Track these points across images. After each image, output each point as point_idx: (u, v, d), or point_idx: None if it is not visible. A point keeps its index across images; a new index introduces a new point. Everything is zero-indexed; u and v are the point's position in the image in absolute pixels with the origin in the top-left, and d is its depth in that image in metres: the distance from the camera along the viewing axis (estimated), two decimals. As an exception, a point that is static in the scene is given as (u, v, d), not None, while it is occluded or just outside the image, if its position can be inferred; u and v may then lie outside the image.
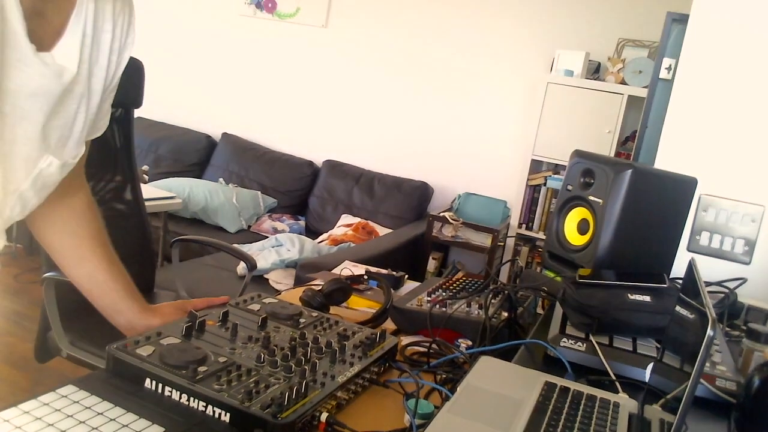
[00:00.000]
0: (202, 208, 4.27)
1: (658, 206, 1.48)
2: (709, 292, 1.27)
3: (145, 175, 3.95)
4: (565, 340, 1.23)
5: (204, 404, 0.86)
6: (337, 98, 4.83)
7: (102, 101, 1.01)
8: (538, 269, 3.84)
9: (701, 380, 1.09)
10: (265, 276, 3.42)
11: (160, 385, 0.89)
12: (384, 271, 1.74)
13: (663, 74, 2.51)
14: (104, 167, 2.28)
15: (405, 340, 1.28)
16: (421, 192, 4.40)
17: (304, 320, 1.18)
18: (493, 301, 1.37)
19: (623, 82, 3.81)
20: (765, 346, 1.25)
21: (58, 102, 0.91)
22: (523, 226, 4.13)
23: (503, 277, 3.43)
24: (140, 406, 0.86)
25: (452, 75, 4.45)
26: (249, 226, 4.42)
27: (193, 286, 2.68)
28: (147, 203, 2.47)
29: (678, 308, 1.16)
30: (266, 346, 1.02)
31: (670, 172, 1.53)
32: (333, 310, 1.40)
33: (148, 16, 4.99)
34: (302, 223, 4.53)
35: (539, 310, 1.59)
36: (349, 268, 1.82)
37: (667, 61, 2.50)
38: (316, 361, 0.99)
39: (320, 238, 4.11)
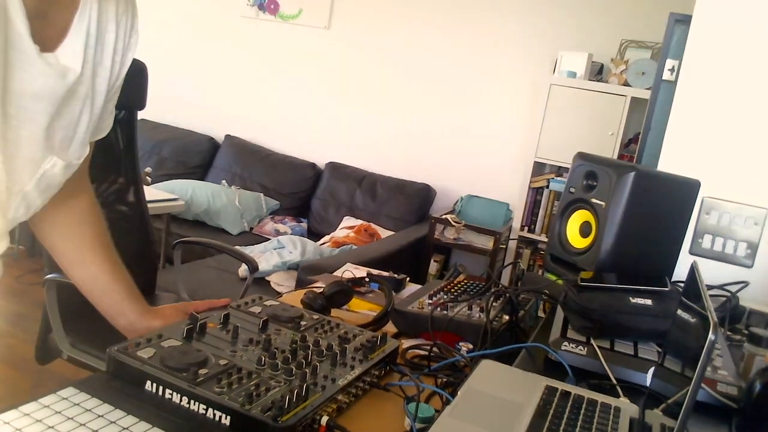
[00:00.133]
0: (205, 210, 4.28)
1: (660, 209, 1.47)
2: (710, 295, 1.27)
3: (148, 177, 3.96)
4: (566, 343, 1.22)
5: (204, 407, 0.86)
6: (339, 100, 4.83)
7: (106, 102, 1.02)
8: (540, 272, 3.84)
9: (702, 385, 1.09)
10: (267, 278, 3.42)
11: (161, 388, 0.89)
12: (385, 274, 1.74)
13: (666, 75, 2.51)
14: (107, 169, 2.29)
15: (406, 343, 1.28)
16: (424, 194, 4.40)
17: (305, 323, 1.17)
18: (494, 304, 1.37)
19: (626, 84, 3.81)
20: (766, 351, 1.24)
21: (62, 103, 0.91)
22: (526, 228, 4.13)
23: (505, 279, 3.43)
24: (141, 408, 0.86)
25: (454, 77, 4.45)
26: (251, 228, 4.43)
27: (194, 288, 2.69)
28: (149, 205, 2.48)
29: (680, 312, 1.15)
30: (267, 349, 1.02)
31: (673, 175, 1.53)
32: (334, 312, 1.40)
33: (151, 17, 5.01)
34: (304, 225, 4.54)
35: (541, 314, 1.59)
36: (350, 271, 1.82)
37: (670, 63, 2.50)
38: (317, 364, 0.99)
39: (322, 240, 4.11)
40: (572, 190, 1.54)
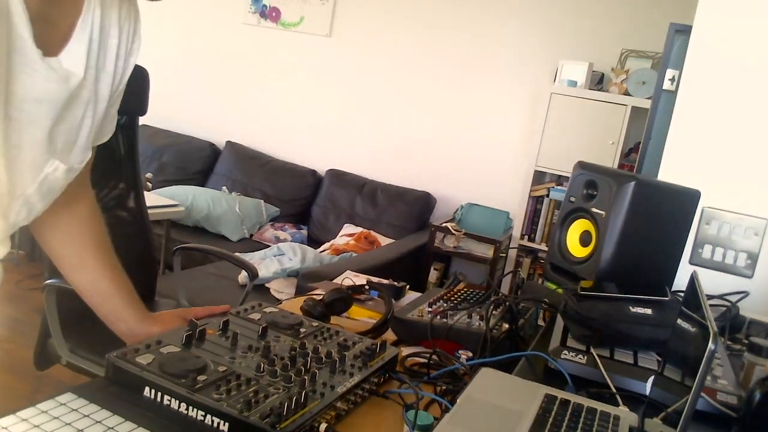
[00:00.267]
0: (205, 216, 4.28)
1: (661, 219, 1.47)
2: (710, 305, 1.27)
3: (148, 183, 3.96)
4: (565, 352, 1.22)
5: (203, 413, 0.85)
6: (340, 107, 4.84)
7: (108, 106, 1.02)
8: (540, 281, 3.83)
9: (702, 394, 1.09)
10: (267, 285, 3.42)
11: (159, 394, 0.89)
12: (385, 282, 1.74)
13: (666, 85, 2.51)
14: (108, 174, 2.29)
15: (405, 350, 1.28)
16: (424, 202, 4.40)
17: (304, 330, 1.17)
18: (494, 312, 1.37)
19: (627, 93, 3.81)
20: (766, 360, 1.24)
21: (64, 107, 0.91)
22: (526, 237, 4.13)
23: (505, 288, 3.43)
24: (139, 414, 0.86)
25: (456, 85, 4.46)
26: (251, 235, 4.42)
27: (194, 294, 2.68)
28: (150, 211, 2.48)
29: (680, 321, 1.15)
30: (266, 356, 1.02)
31: (673, 185, 1.53)
32: (334, 320, 1.40)
33: (153, 24, 5.02)
34: (304, 232, 4.54)
35: (540, 322, 1.59)
36: (350, 278, 1.82)
37: (670, 72, 2.50)
38: (316, 371, 0.99)
39: (322, 248, 4.11)
40: (572, 199, 1.54)
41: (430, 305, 1.45)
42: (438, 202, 4.47)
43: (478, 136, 4.43)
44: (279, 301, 1.63)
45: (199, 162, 5.00)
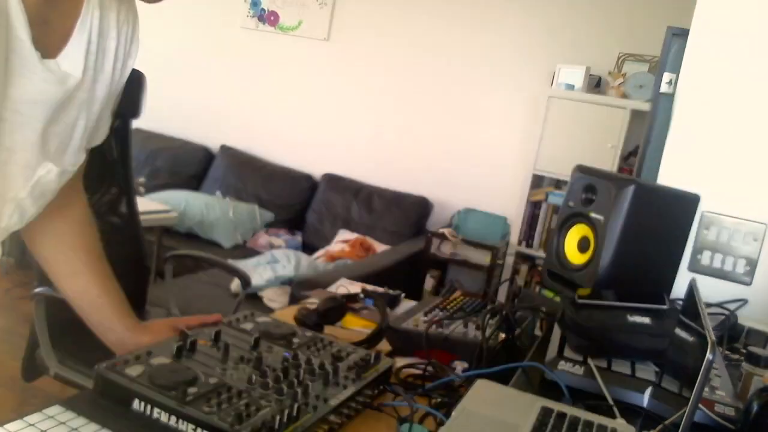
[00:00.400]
0: (198, 221, 4.24)
1: (660, 223, 1.46)
2: (709, 313, 1.25)
3: (141, 188, 3.93)
4: (562, 363, 1.21)
5: (193, 427, 0.83)
6: (337, 111, 4.83)
7: (103, 109, 1.01)
8: (537, 289, 3.82)
9: (700, 406, 1.07)
10: (260, 294, 3.37)
11: (149, 407, 0.86)
12: (380, 290, 1.72)
13: (664, 89, 2.50)
14: (100, 179, 2.26)
15: (400, 361, 1.26)
16: (421, 207, 4.39)
17: (297, 340, 1.15)
18: (490, 321, 1.35)
19: (624, 97, 3.80)
20: (765, 371, 1.23)
21: (58, 108, 0.90)
22: (523, 243, 4.10)
23: (502, 296, 3.41)
24: (128, 427, 0.84)
25: (453, 89, 4.45)
26: (245, 242, 4.39)
27: (185, 303, 2.65)
28: (142, 217, 2.45)
29: (678, 330, 1.14)
30: (258, 367, 1.00)
31: (672, 189, 1.52)
32: (328, 329, 1.38)
33: (151, 26, 4.99)
34: (299, 238, 4.51)
35: (537, 331, 1.57)
36: (345, 286, 1.80)
37: (667, 76, 2.49)
38: (309, 383, 0.97)
39: (317, 254, 4.08)
40: (571, 203, 1.53)
41: (425, 314, 1.43)
42: (435, 207, 4.45)
43: (475, 140, 4.42)
44: (272, 311, 1.61)
45: (193, 166, 4.98)
